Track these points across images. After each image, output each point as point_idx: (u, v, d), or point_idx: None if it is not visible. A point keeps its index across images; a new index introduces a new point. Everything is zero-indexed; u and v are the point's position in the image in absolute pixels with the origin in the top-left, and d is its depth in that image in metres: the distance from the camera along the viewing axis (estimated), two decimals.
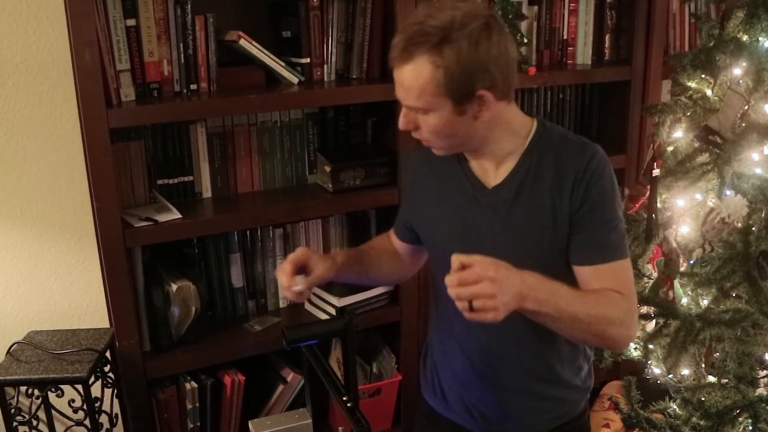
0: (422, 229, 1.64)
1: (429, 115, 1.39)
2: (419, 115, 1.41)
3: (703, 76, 1.98)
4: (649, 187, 2.05)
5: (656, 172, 2.01)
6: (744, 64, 1.85)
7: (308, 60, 2.10)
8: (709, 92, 1.97)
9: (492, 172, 1.50)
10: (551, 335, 1.45)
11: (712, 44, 1.93)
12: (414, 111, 1.41)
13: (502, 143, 1.47)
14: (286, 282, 1.46)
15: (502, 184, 1.48)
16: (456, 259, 1.25)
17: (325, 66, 2.13)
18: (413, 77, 1.35)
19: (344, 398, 1.32)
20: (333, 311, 2.17)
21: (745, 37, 1.85)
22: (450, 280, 1.23)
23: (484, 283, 1.21)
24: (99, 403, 1.92)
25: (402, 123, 1.45)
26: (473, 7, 1.38)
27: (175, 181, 2.09)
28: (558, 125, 1.55)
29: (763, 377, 1.84)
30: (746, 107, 1.83)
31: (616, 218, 1.45)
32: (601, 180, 1.43)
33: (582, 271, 1.45)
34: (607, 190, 1.44)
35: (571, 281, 1.43)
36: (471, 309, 1.21)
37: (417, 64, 1.34)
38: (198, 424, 2.11)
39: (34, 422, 1.90)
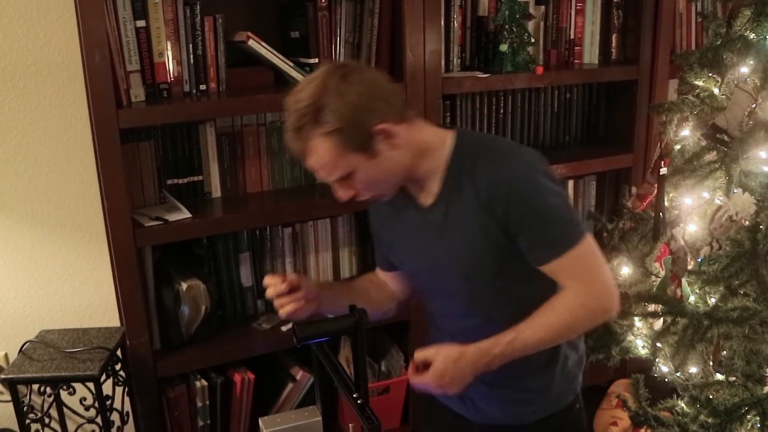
0: (391, 255, 1.70)
1: (354, 176, 1.45)
2: (348, 181, 1.47)
3: (710, 74, 1.98)
4: (656, 185, 2.05)
5: (664, 170, 2.01)
6: (751, 62, 1.85)
7: (316, 60, 2.11)
8: (716, 91, 1.97)
9: (425, 193, 1.55)
10: None
11: (719, 42, 1.93)
12: (341, 181, 1.47)
13: (425, 165, 1.50)
14: (272, 290, 1.53)
15: (434, 204, 1.53)
16: (418, 356, 1.45)
17: None
18: (318, 157, 1.42)
19: (354, 395, 1.32)
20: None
21: (752, 36, 1.85)
22: (414, 381, 1.46)
23: (443, 379, 1.43)
24: (110, 401, 1.94)
25: (341, 197, 1.51)
26: (322, 69, 1.44)
27: (185, 181, 2.10)
28: (478, 133, 1.56)
29: None
30: (754, 105, 1.83)
31: (550, 211, 1.45)
32: (516, 186, 1.44)
33: (545, 270, 1.49)
34: (527, 192, 1.44)
35: (532, 274, 1.49)
36: None
37: (312, 145, 1.41)
38: (208, 422, 2.12)
39: (47, 420, 1.92)
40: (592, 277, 1.49)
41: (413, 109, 1.52)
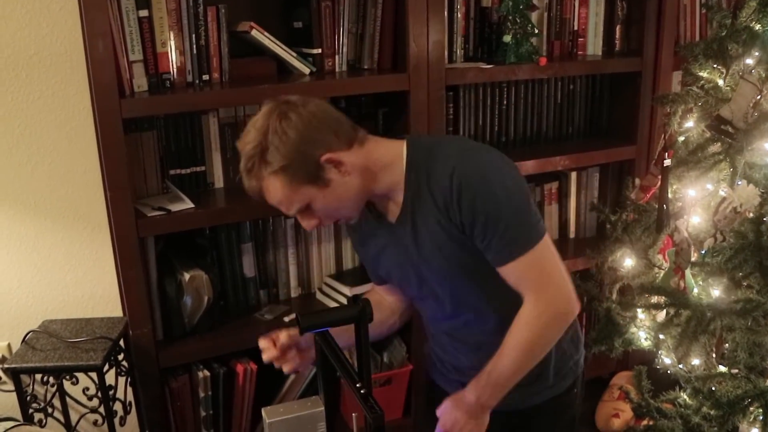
0: (378, 269, 1.74)
1: (312, 206, 1.51)
2: (308, 212, 1.53)
3: (715, 65, 1.97)
4: (660, 177, 2.05)
5: (667, 162, 2.01)
6: (756, 53, 1.85)
7: (320, 50, 2.10)
8: (720, 82, 1.97)
9: (390, 209, 1.59)
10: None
11: (724, 33, 1.93)
12: (302, 213, 1.53)
13: (383, 182, 1.54)
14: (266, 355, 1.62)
15: (400, 219, 1.56)
16: (438, 413, 1.58)
17: (337, 56, 2.14)
18: (273, 195, 1.50)
19: (357, 385, 1.32)
20: (344, 301, 2.18)
21: (757, 27, 1.85)
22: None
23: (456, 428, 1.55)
24: (113, 391, 1.94)
25: (306, 226, 1.58)
26: (264, 110, 1.49)
27: (188, 171, 2.10)
28: (430, 137, 1.59)
29: None
30: (759, 97, 1.82)
31: (506, 216, 1.46)
32: (470, 191, 1.45)
33: (501, 273, 1.52)
34: (478, 194, 1.45)
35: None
36: None
37: (265, 185, 1.49)
38: (211, 412, 2.12)
39: (50, 409, 1.92)
40: (543, 283, 1.51)
41: (361, 129, 1.55)
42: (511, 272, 1.51)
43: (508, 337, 1.53)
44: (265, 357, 1.62)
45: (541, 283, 1.51)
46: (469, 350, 1.68)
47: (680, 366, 2.02)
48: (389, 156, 1.54)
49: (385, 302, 1.79)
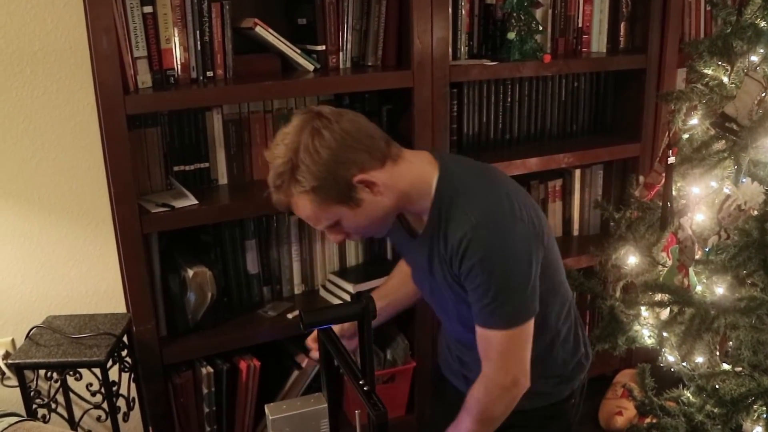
0: (403, 256, 1.80)
1: (340, 223, 1.49)
2: (337, 227, 1.51)
3: (719, 63, 1.96)
4: (664, 174, 2.04)
5: (671, 159, 2.00)
6: (761, 50, 1.84)
7: (324, 47, 2.10)
8: (725, 79, 1.96)
9: (415, 224, 1.60)
10: None
11: (729, 31, 1.92)
12: (330, 228, 1.52)
13: (414, 204, 1.53)
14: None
15: (422, 237, 1.56)
16: None
17: (341, 53, 2.14)
18: (302, 212, 1.48)
19: (361, 382, 1.32)
20: (348, 297, 2.18)
21: (763, 24, 1.84)
22: None
23: None
24: (116, 387, 1.94)
25: (333, 240, 1.58)
26: (296, 122, 1.44)
27: (192, 167, 2.10)
28: (460, 169, 1.55)
29: None
30: (763, 94, 1.81)
31: (495, 293, 1.46)
32: (471, 260, 1.45)
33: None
34: (479, 268, 1.45)
35: None
36: None
37: (294, 201, 1.46)
38: (214, 408, 2.13)
39: (53, 405, 1.93)
40: (505, 361, 1.53)
41: (394, 144, 1.52)
42: (481, 336, 1.53)
43: (464, 406, 1.58)
44: (314, 355, 1.72)
45: (503, 361, 1.53)
46: (473, 353, 1.67)
47: (684, 364, 2.01)
48: (421, 182, 1.51)
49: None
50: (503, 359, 1.53)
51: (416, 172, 1.51)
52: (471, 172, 1.55)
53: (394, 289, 1.88)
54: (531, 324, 1.51)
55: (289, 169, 1.41)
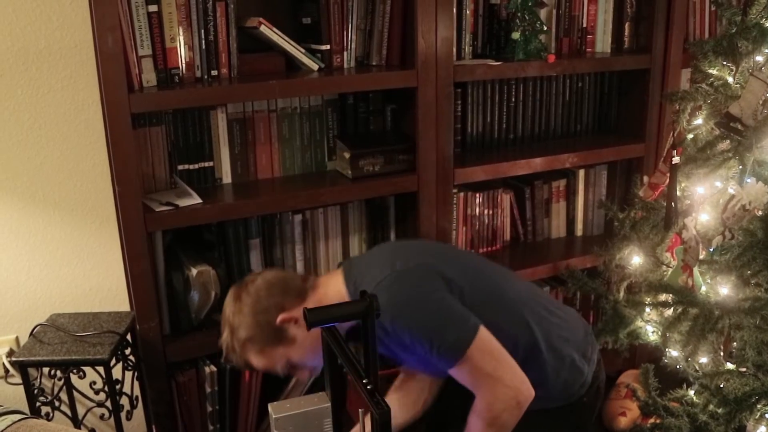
0: None
1: (291, 361, 1.70)
2: (293, 367, 1.73)
3: (724, 63, 1.96)
4: (668, 174, 2.04)
5: (676, 159, 2.00)
6: (766, 50, 1.84)
7: (328, 47, 2.10)
8: (730, 79, 1.96)
9: None
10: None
11: (734, 30, 1.92)
12: (289, 368, 1.73)
13: None
14: None
15: None
16: None
17: (345, 53, 2.14)
18: (257, 363, 1.71)
19: (364, 381, 1.32)
20: None
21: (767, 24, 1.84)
22: None
23: None
24: (120, 385, 1.95)
25: (300, 378, 1.86)
26: (226, 300, 1.74)
27: (196, 166, 2.10)
28: (357, 263, 1.76)
29: None
30: None
31: (429, 341, 1.58)
32: (391, 326, 1.59)
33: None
34: (401, 330, 1.59)
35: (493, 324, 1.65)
36: None
37: (248, 359, 1.70)
38: (217, 407, 2.13)
39: (57, 403, 1.93)
40: (484, 383, 1.59)
41: (310, 277, 1.79)
42: (454, 374, 1.62)
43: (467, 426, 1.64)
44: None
45: (486, 382, 1.59)
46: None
47: (688, 363, 2.01)
48: (337, 295, 1.69)
49: (412, 383, 1.87)
50: (486, 378, 1.58)
51: (332, 288, 1.72)
52: (365, 261, 1.77)
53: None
54: (483, 334, 1.58)
55: (230, 334, 1.69)
